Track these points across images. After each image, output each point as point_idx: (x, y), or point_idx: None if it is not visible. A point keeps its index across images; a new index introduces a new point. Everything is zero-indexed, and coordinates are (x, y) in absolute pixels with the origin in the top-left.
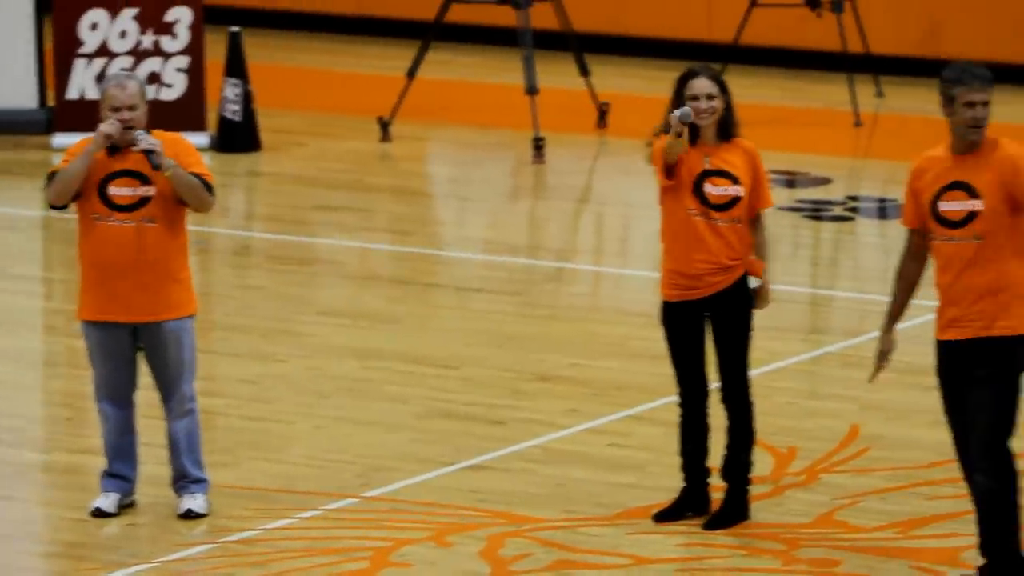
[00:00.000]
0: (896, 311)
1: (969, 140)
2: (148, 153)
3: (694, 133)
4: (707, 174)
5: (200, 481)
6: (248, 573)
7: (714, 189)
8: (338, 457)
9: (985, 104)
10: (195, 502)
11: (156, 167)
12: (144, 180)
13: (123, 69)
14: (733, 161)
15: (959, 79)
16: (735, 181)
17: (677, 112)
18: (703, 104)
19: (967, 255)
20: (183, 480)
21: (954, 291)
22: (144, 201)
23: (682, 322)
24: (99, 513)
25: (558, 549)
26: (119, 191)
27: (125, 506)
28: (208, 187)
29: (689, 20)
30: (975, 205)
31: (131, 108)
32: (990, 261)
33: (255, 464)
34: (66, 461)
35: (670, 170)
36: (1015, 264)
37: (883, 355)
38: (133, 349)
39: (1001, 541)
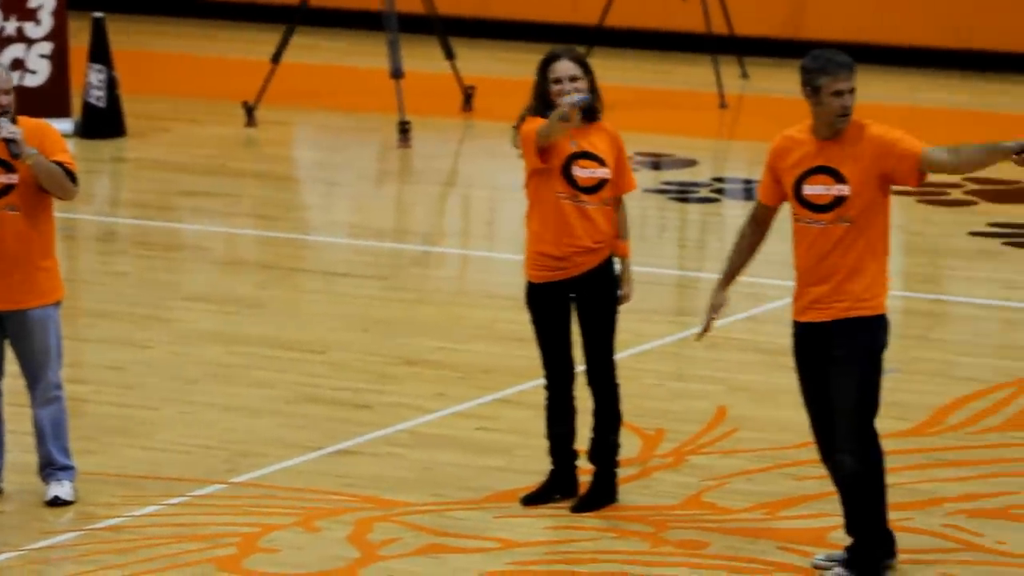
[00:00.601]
0: (732, 271)
1: (837, 128)
2: (8, 141)
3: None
4: (575, 156)
5: (67, 468)
6: (115, 560)
7: (582, 172)
8: (205, 443)
9: (852, 91)
10: (62, 489)
11: (16, 156)
12: (7, 168)
13: None
14: (598, 144)
15: (824, 68)
16: (602, 163)
17: (576, 98)
18: (566, 86)
19: (833, 238)
20: (50, 467)
21: (817, 273)
22: (7, 189)
23: (548, 303)
24: None
25: (427, 533)
26: None
27: None
28: (71, 175)
29: (554, 3)
30: (842, 190)
31: (6, 93)
32: (855, 244)
33: (122, 450)
34: None
35: (544, 153)
36: (877, 247)
37: (714, 308)
38: None
39: (868, 520)
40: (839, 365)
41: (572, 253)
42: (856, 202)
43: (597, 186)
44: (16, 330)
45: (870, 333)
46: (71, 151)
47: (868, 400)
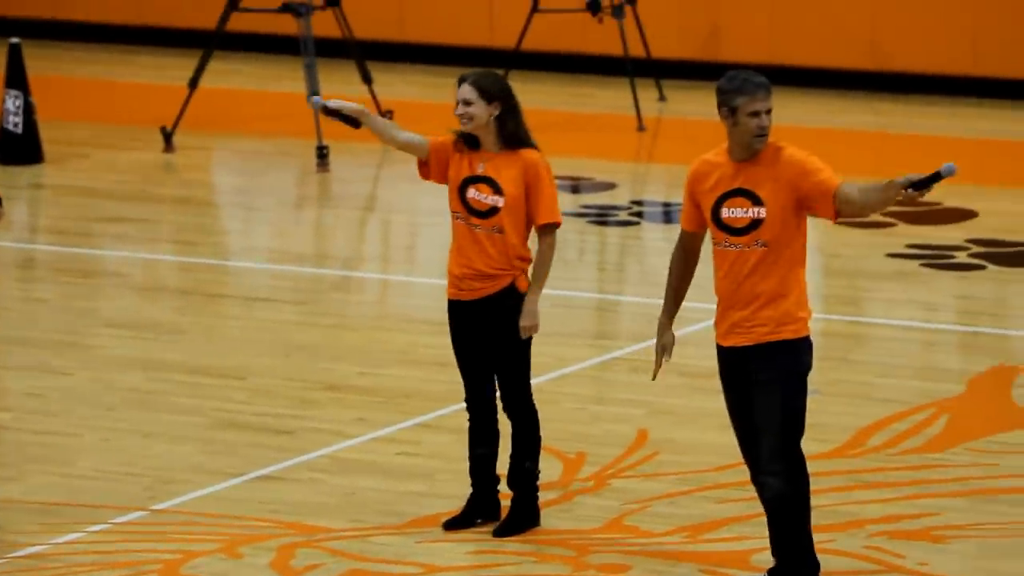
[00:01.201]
0: (672, 307)
1: (754, 149)
2: None
3: (472, 139)
4: (471, 180)
5: None
6: None
7: (476, 195)
8: (126, 470)
9: (768, 112)
10: None
11: None
12: None
13: None
14: (505, 171)
15: (740, 89)
16: (497, 191)
17: (316, 100)
18: (459, 110)
19: (751, 261)
20: None
21: (737, 297)
22: None
23: (456, 321)
24: None
25: (349, 559)
26: None
27: None
28: None
29: (471, 26)
30: (759, 212)
31: None
32: (773, 267)
33: (42, 478)
34: None
35: (423, 168)
36: (796, 270)
37: (663, 348)
38: None
39: (793, 542)
40: (762, 388)
41: (465, 275)
42: (773, 225)
43: (488, 212)
44: None
45: (792, 356)
46: None
47: (792, 422)
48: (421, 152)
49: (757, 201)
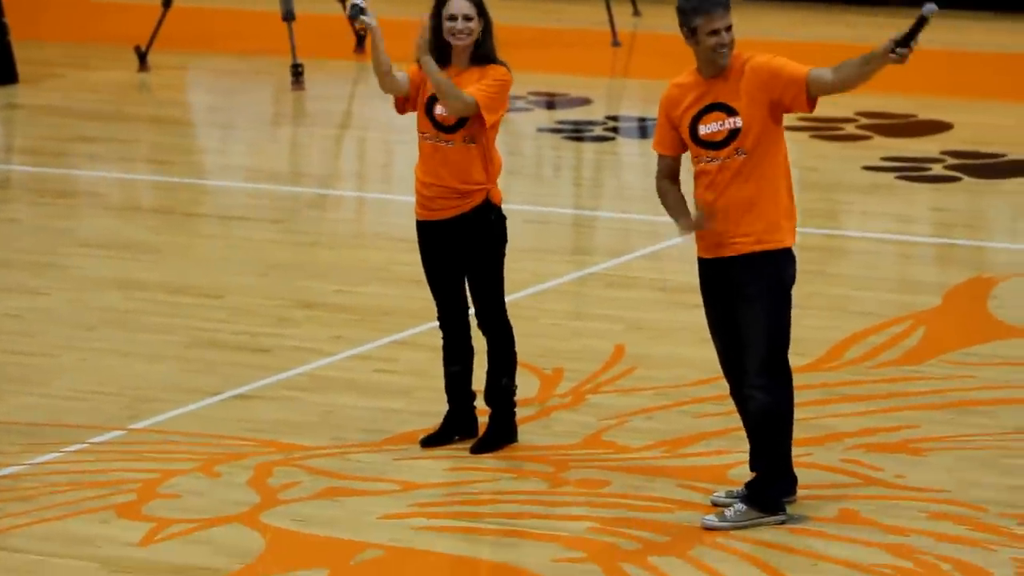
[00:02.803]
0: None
1: (719, 65)
2: None
3: (445, 54)
4: (435, 97)
5: None
6: (15, 508)
7: (443, 110)
8: (104, 389)
9: (728, 28)
10: None
11: None
12: None
13: None
14: (472, 84)
15: (697, 8)
16: None
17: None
18: (459, 24)
19: (730, 172)
20: None
21: (717, 208)
22: None
23: (426, 241)
24: None
25: (327, 476)
26: None
27: None
28: None
29: None
30: (735, 122)
31: None
32: (752, 176)
33: (20, 399)
34: None
35: (400, 102)
36: (778, 180)
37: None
38: None
39: (773, 456)
40: (746, 301)
41: (436, 195)
42: (750, 133)
43: (456, 125)
44: None
45: (775, 267)
46: None
47: (777, 335)
48: (404, 88)
49: (732, 112)
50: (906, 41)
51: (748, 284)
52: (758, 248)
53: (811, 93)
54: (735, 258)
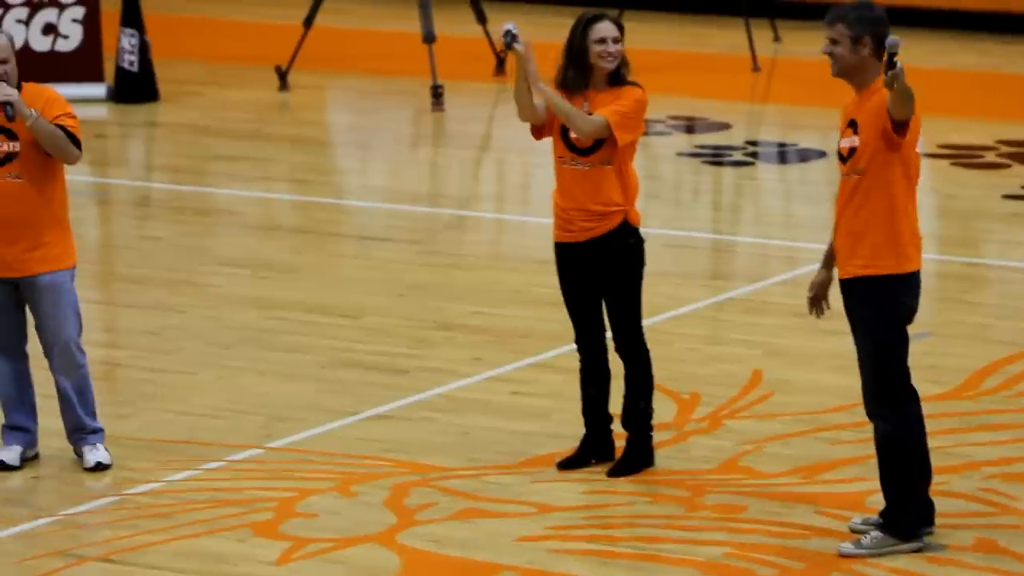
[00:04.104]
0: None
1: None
2: (4, 104)
3: (584, 77)
4: None
5: (98, 431)
6: (152, 525)
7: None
8: (241, 408)
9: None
10: (100, 454)
11: (10, 118)
12: (9, 135)
13: (19, 21)
14: (604, 106)
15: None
16: None
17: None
18: (610, 47)
19: (848, 190)
20: (80, 432)
21: (838, 226)
22: (9, 157)
23: (565, 263)
24: (2, 466)
25: (463, 498)
26: None
27: (28, 459)
28: (73, 139)
29: None
30: (855, 141)
31: (3, 62)
32: (864, 200)
33: (157, 415)
34: None
35: (536, 129)
36: (895, 204)
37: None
38: (16, 302)
39: (901, 484)
40: (856, 326)
41: (574, 217)
42: (864, 154)
43: (591, 148)
44: (28, 296)
45: (885, 293)
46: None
47: (886, 363)
48: (541, 117)
49: (856, 129)
50: (885, 71)
51: (854, 309)
52: (863, 273)
53: (892, 116)
54: (845, 281)
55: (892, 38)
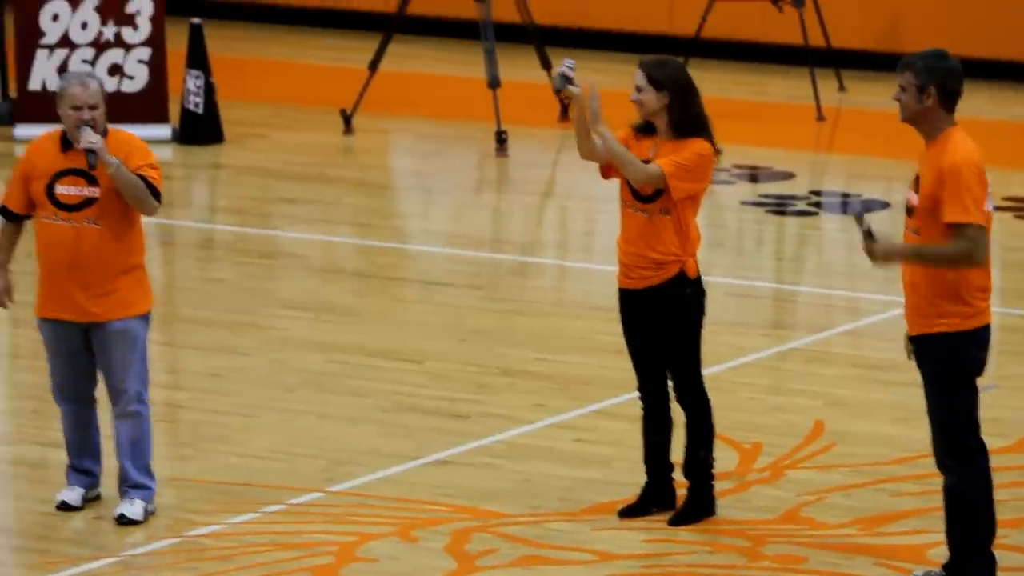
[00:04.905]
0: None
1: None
2: (87, 151)
3: (649, 125)
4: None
5: (140, 487)
6: (212, 567)
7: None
8: (302, 451)
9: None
10: (130, 508)
11: (92, 166)
12: (90, 181)
13: (84, 61)
14: (667, 155)
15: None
16: None
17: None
18: (632, 95)
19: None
20: (123, 484)
21: (905, 282)
22: (88, 202)
23: (626, 310)
24: (65, 507)
25: (524, 544)
26: (65, 190)
27: (91, 500)
28: (153, 190)
29: (651, 13)
30: (914, 198)
31: (92, 107)
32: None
33: (218, 458)
34: (32, 454)
35: (605, 168)
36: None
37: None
38: (85, 347)
39: (965, 537)
40: (924, 381)
41: (633, 263)
42: (922, 211)
43: (652, 196)
44: (97, 342)
45: (947, 350)
46: (159, 162)
47: (952, 418)
48: (603, 156)
49: (918, 186)
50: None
51: (920, 364)
52: (928, 330)
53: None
54: (911, 338)
55: (857, 208)
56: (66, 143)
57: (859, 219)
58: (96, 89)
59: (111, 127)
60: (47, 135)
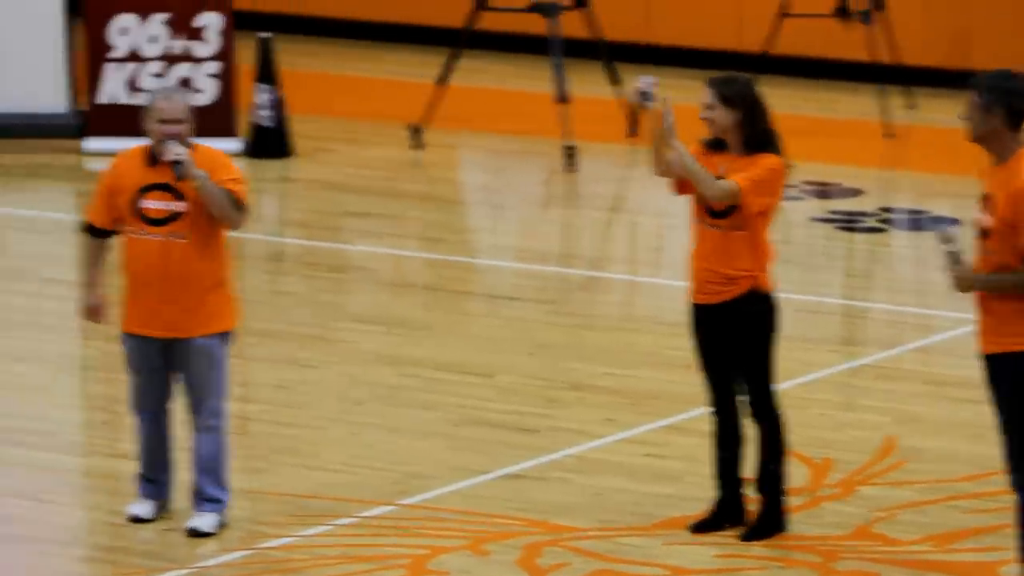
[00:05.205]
0: None
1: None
2: (174, 164)
3: (720, 142)
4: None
5: (214, 500)
6: None
7: None
8: (373, 464)
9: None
10: (201, 520)
11: (180, 177)
12: (177, 195)
13: (153, 75)
14: (739, 171)
15: None
16: None
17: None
18: (702, 113)
19: (980, 267)
20: (197, 496)
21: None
22: (173, 217)
23: (698, 325)
24: (136, 519)
25: (595, 559)
26: (152, 204)
27: (161, 511)
28: (237, 204)
29: (720, 29)
30: (986, 219)
31: (178, 121)
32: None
33: (290, 470)
34: (104, 465)
35: (678, 184)
36: None
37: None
38: (166, 362)
39: None
40: (997, 399)
41: (706, 279)
42: (994, 233)
43: (725, 212)
44: (179, 357)
45: (1011, 370)
46: (242, 175)
47: (1018, 437)
48: (675, 172)
49: (989, 206)
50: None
51: (993, 383)
52: (997, 350)
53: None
54: (985, 356)
55: (946, 230)
56: (152, 158)
57: (946, 240)
58: (181, 104)
59: (196, 142)
60: (132, 150)
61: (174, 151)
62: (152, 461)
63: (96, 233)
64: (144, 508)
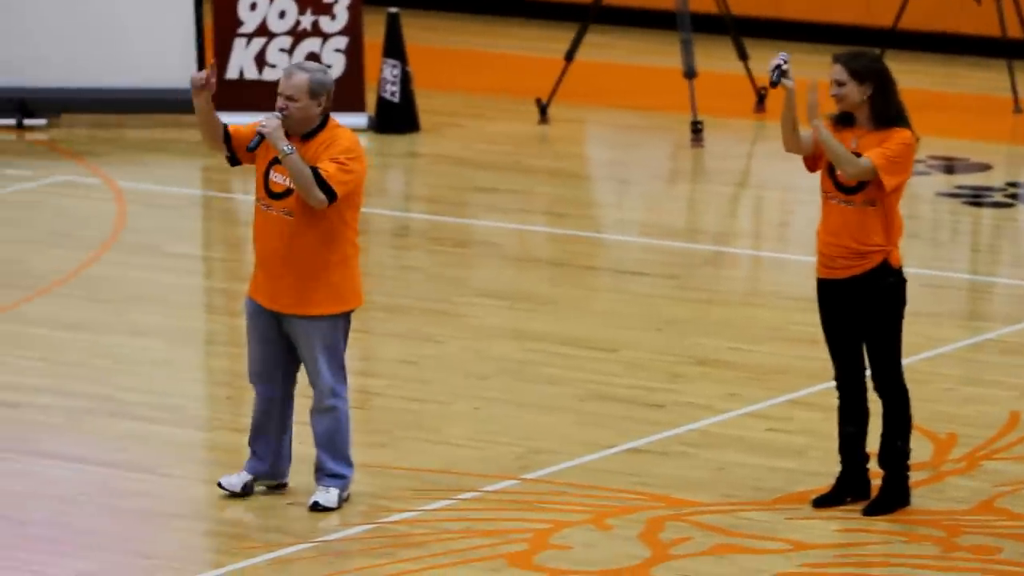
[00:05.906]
0: None
1: None
2: (257, 133)
3: (848, 116)
4: None
5: (336, 476)
6: (407, 554)
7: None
8: (497, 439)
9: None
10: (324, 495)
11: (251, 148)
12: None
13: (281, 50)
14: (871, 147)
15: None
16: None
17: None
18: (832, 90)
19: None
20: (319, 472)
21: None
22: (285, 193)
23: (825, 300)
24: (221, 487)
25: (718, 533)
26: (276, 178)
27: (259, 484)
28: (322, 183)
29: (848, 4)
30: None
31: (290, 98)
32: None
33: (414, 445)
34: (227, 440)
35: (808, 159)
36: None
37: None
38: (280, 334)
39: None
40: None
41: (836, 254)
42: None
43: (856, 188)
44: (293, 333)
45: None
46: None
47: None
48: (808, 148)
49: None
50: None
51: None
52: None
53: None
54: None
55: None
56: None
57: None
58: (298, 82)
59: (334, 121)
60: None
61: (262, 123)
62: (259, 432)
63: (227, 138)
64: (230, 479)
